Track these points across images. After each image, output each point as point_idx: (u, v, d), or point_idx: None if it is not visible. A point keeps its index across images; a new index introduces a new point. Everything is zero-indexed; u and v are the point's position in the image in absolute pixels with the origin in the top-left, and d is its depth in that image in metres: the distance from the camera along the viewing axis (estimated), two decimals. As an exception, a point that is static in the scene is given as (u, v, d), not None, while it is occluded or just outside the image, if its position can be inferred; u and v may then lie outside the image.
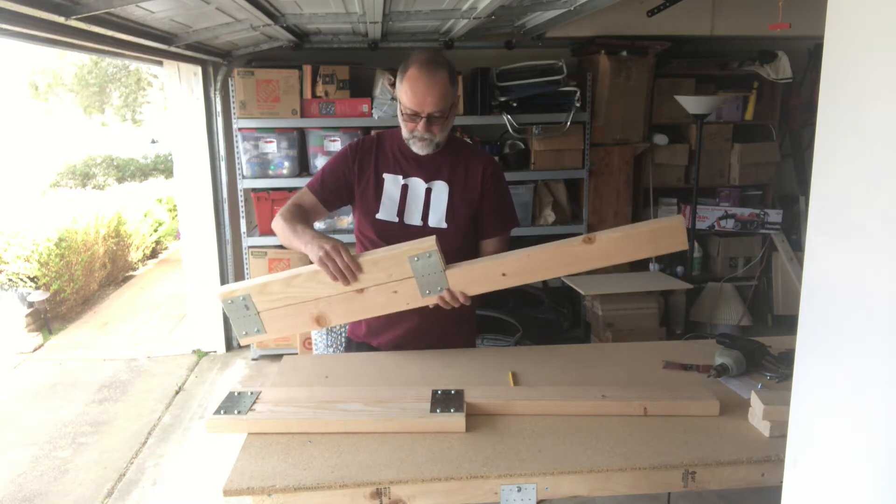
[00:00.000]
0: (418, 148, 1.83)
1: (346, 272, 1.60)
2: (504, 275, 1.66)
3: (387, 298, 1.68)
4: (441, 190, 1.87)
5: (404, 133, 1.84)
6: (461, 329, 2.07)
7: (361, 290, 1.66)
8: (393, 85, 4.03)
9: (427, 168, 1.88)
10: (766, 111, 4.67)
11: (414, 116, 1.77)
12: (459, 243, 1.88)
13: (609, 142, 4.39)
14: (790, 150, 4.89)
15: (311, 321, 1.71)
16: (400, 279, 1.65)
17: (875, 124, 0.79)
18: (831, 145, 0.87)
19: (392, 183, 1.86)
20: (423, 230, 1.84)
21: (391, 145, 1.91)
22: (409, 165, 1.88)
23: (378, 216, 1.86)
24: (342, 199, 1.91)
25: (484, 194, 1.91)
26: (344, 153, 1.91)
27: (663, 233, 1.60)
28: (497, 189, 1.94)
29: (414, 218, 1.87)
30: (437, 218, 1.87)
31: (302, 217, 1.80)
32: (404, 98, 1.76)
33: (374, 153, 1.90)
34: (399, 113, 1.82)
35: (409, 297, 1.68)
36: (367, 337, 2.05)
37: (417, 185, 1.87)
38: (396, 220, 1.86)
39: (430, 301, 1.67)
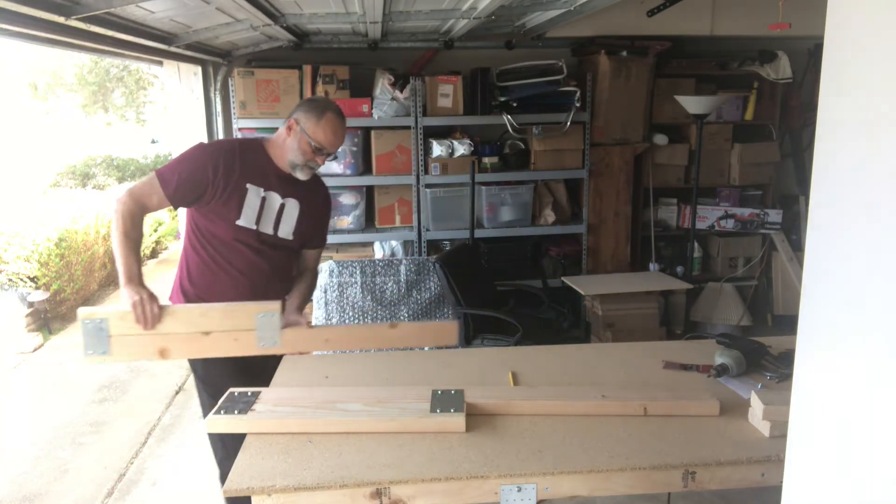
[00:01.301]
0: (304, 174, 2.08)
1: (151, 321, 1.82)
2: (327, 340, 1.95)
3: (228, 344, 1.86)
4: (293, 207, 2.12)
5: (296, 159, 2.04)
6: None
7: (208, 333, 1.84)
8: (393, 85, 4.03)
9: (284, 185, 2.10)
10: (766, 111, 4.67)
11: (319, 151, 2.03)
12: (296, 253, 2.23)
13: (609, 142, 4.39)
14: (790, 150, 4.89)
15: (156, 352, 1.87)
16: (242, 329, 1.85)
17: (875, 124, 0.79)
18: (831, 145, 0.87)
19: (254, 194, 2.05)
20: (274, 238, 2.11)
21: (255, 158, 2.08)
22: (271, 181, 2.08)
23: (238, 222, 2.04)
24: (190, 201, 2.03)
25: (321, 215, 2.26)
26: (204, 160, 2.01)
27: (441, 333, 2.00)
28: (328, 213, 2.33)
29: (267, 227, 2.09)
30: (287, 230, 2.13)
31: (138, 239, 1.96)
32: (320, 136, 2.01)
33: (237, 163, 2.04)
34: (298, 142, 2.02)
35: (246, 346, 1.87)
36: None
37: (274, 198, 2.09)
38: (254, 227, 2.06)
39: (265, 352, 1.89)
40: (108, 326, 1.83)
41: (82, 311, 1.84)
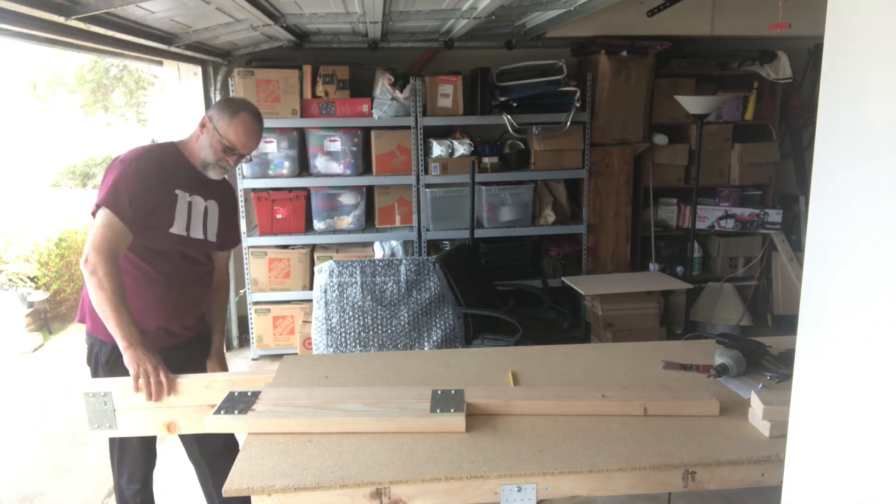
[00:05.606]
0: (215, 174, 2.03)
1: (157, 393, 1.79)
2: None
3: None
4: (214, 208, 2.09)
5: (208, 157, 1.99)
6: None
7: (213, 406, 1.75)
8: (393, 85, 4.03)
9: (205, 188, 2.05)
10: (766, 111, 4.67)
11: (231, 151, 1.98)
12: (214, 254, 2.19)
13: (609, 142, 4.39)
14: (790, 150, 4.89)
15: (162, 427, 1.85)
16: None
17: (874, 124, 0.79)
18: (831, 145, 0.87)
19: (182, 199, 1.98)
20: (204, 242, 2.06)
21: (177, 162, 2.00)
22: (194, 184, 2.02)
23: (172, 230, 1.96)
24: (144, 221, 1.88)
25: (234, 213, 2.24)
26: (145, 178, 1.87)
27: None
28: (237, 209, 2.27)
29: (197, 232, 2.03)
30: (212, 232, 2.09)
31: (125, 295, 1.79)
32: (231, 135, 1.96)
33: (164, 169, 1.95)
34: (210, 140, 1.97)
35: None
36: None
37: (199, 202, 2.04)
38: (185, 233, 1.99)
39: None
40: (111, 401, 1.79)
41: (84, 387, 1.79)
